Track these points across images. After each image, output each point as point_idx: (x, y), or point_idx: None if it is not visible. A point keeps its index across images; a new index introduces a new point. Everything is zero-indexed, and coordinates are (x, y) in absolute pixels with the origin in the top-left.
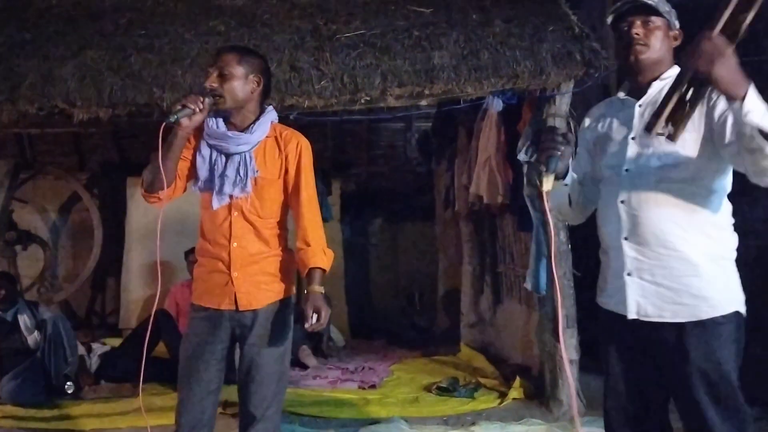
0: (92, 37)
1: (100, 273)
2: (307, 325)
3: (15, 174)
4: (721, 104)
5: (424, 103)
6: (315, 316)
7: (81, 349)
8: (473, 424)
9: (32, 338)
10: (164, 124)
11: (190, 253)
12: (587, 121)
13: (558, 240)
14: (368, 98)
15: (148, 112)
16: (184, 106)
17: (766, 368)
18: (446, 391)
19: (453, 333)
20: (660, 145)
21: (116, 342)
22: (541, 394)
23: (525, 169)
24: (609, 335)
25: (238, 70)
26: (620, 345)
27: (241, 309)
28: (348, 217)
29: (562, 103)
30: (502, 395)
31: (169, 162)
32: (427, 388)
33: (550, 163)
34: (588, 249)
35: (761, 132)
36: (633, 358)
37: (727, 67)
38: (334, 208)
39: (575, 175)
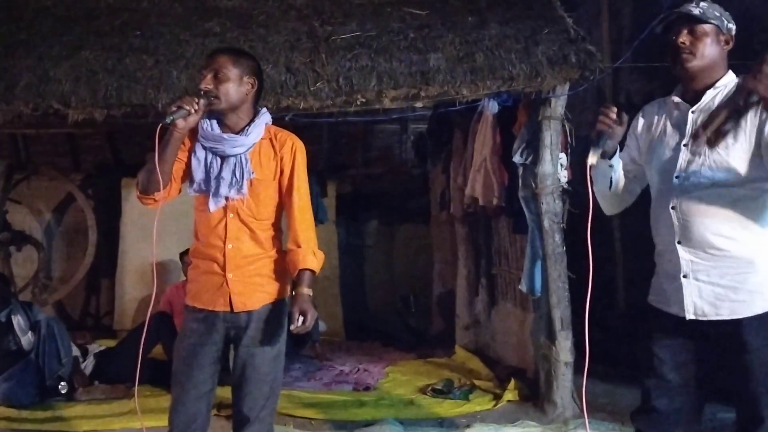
0: (87, 38)
1: (95, 274)
2: (292, 327)
3: (9, 175)
4: None
5: (419, 105)
6: (301, 318)
7: (75, 351)
8: (468, 426)
9: (26, 339)
10: (160, 125)
11: (185, 255)
12: (641, 122)
13: (553, 242)
14: (364, 100)
15: (144, 113)
16: (179, 108)
17: None
18: (441, 393)
19: (448, 335)
20: (711, 154)
21: (111, 343)
22: (535, 396)
23: (520, 171)
24: (661, 335)
25: (233, 72)
26: (675, 345)
27: (235, 310)
28: (343, 219)
29: (558, 106)
30: (497, 397)
31: (164, 163)
32: (422, 390)
33: (601, 139)
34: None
35: None
36: (687, 357)
37: None
38: (330, 210)
39: (621, 160)
